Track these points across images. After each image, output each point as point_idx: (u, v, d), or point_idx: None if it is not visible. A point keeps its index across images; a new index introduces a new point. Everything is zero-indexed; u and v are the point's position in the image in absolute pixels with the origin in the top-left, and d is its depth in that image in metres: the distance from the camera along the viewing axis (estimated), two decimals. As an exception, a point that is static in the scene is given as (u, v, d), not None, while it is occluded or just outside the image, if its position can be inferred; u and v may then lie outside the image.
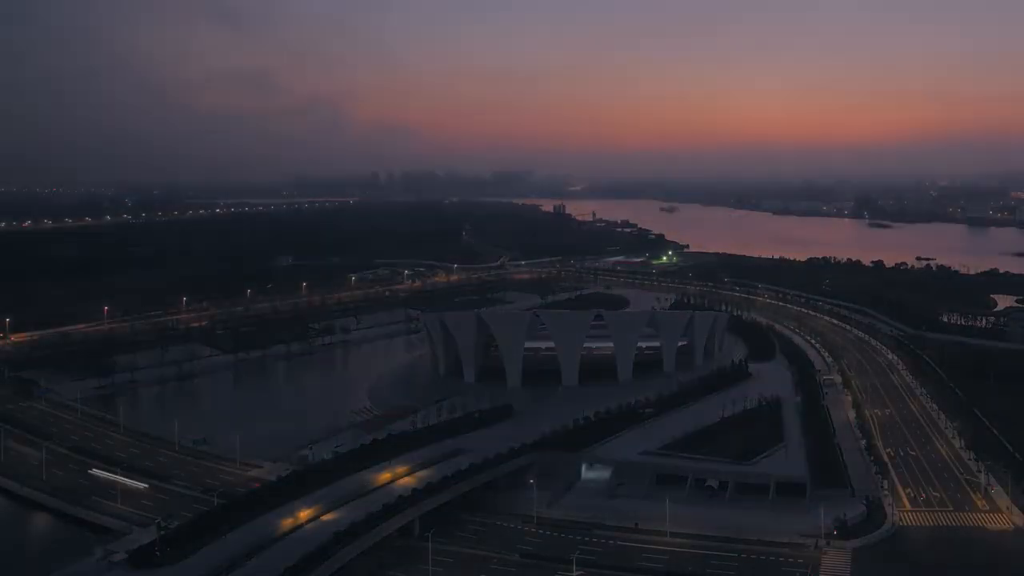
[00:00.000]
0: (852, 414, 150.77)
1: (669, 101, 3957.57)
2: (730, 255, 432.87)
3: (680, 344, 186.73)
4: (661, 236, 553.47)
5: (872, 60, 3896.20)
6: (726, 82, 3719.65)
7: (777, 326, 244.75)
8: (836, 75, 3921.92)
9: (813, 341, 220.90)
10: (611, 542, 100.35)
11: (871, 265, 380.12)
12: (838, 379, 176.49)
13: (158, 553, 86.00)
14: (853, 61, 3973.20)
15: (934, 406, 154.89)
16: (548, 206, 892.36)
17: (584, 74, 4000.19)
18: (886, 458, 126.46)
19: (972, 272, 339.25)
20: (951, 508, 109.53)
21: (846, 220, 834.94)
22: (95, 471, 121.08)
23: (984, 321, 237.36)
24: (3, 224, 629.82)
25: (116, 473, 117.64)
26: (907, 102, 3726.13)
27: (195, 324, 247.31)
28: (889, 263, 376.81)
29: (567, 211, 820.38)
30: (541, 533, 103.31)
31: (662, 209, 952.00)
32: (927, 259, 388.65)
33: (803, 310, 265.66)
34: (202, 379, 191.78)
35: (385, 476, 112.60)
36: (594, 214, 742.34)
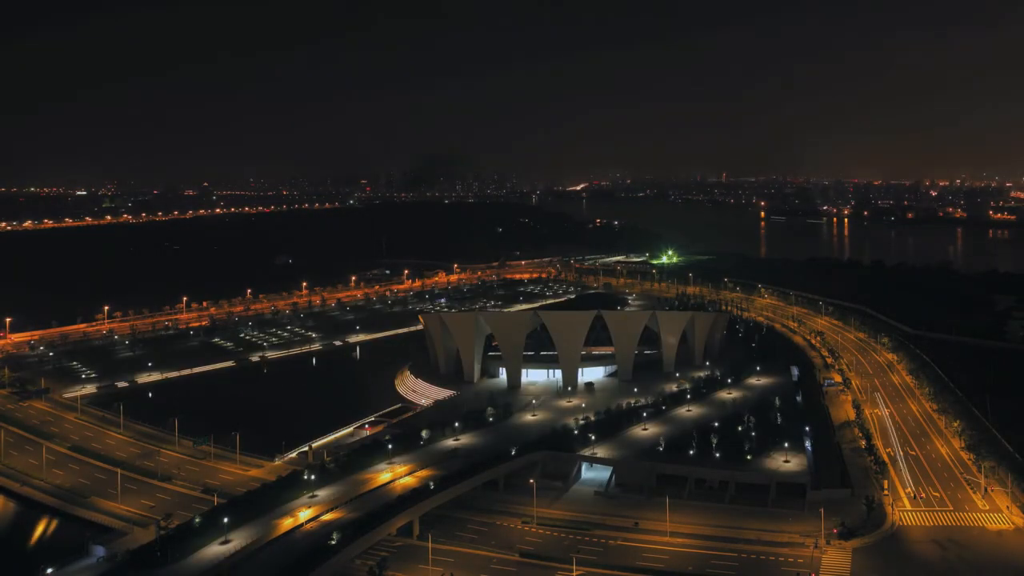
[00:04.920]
0: (852, 414, 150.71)
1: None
2: (731, 254, 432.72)
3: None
4: (660, 235, 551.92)
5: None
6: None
7: (777, 326, 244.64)
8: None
9: (813, 341, 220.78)
10: (611, 542, 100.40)
11: (871, 265, 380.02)
12: (838, 379, 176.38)
13: (158, 553, 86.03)
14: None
15: (934, 406, 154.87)
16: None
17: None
18: (886, 458, 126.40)
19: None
20: (951, 508, 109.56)
21: (846, 220, 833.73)
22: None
23: (984, 321, 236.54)
24: (3, 224, 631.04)
25: None
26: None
27: (195, 324, 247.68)
28: (889, 263, 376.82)
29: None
30: (541, 533, 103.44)
31: None
32: (927, 259, 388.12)
33: (803, 310, 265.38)
34: (204, 378, 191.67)
35: (385, 476, 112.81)
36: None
